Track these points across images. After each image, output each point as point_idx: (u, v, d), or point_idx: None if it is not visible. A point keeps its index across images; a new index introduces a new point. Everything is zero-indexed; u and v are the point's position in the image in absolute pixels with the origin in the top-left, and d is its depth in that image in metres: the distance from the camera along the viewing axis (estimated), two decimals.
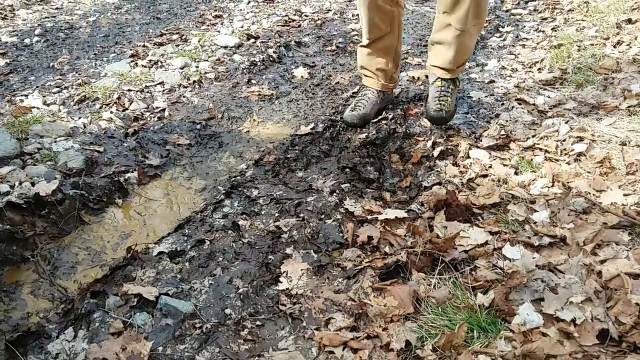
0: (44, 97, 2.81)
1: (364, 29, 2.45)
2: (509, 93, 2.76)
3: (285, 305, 1.59)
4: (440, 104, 2.40)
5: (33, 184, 2.09)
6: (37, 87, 2.93)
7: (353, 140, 2.55)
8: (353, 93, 2.94)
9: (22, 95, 2.82)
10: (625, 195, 1.82)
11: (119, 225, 2.07)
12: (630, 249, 1.59)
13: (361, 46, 2.54)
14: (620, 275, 1.47)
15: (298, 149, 2.48)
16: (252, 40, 3.62)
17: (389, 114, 2.65)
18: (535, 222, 1.77)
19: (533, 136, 2.34)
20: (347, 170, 2.28)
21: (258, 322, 1.54)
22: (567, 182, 1.95)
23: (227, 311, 1.57)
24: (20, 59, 3.31)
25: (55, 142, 2.40)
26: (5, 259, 1.82)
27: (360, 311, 1.54)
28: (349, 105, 2.62)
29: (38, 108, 2.68)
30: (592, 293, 1.42)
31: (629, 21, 3.45)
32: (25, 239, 1.90)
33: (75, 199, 2.08)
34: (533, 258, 1.57)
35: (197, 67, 3.20)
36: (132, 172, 2.30)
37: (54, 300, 1.70)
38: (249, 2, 4.37)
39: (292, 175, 2.30)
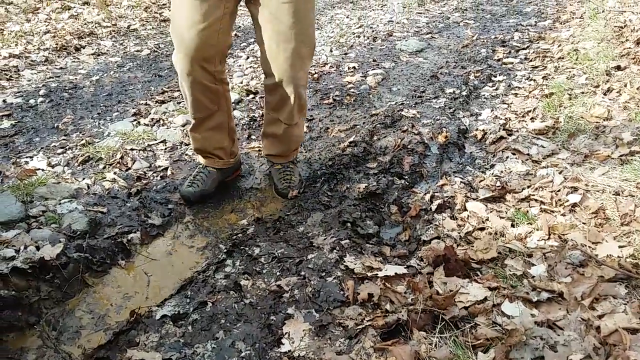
0: (49, 158, 2.87)
1: (189, 109, 2.39)
2: (503, 143, 2.82)
3: None
4: (287, 182, 2.58)
5: (38, 248, 2.12)
6: (42, 148, 3.00)
7: (352, 190, 2.59)
8: (350, 142, 3.01)
9: (27, 157, 2.88)
10: (620, 247, 1.85)
11: (122, 287, 2.09)
12: (627, 302, 1.61)
13: (191, 130, 2.49)
14: (618, 331, 1.49)
15: (298, 204, 2.52)
16: (252, 95, 3.71)
17: (386, 162, 2.71)
18: (533, 277, 1.80)
19: (528, 187, 2.38)
20: (348, 224, 2.32)
21: None
22: (563, 234, 1.98)
23: None
24: (25, 120, 3.38)
25: (60, 204, 2.45)
26: (10, 325, 1.83)
27: None
28: (188, 178, 2.60)
29: (43, 170, 2.74)
30: (592, 350, 1.44)
31: (618, 68, 3.55)
32: (30, 305, 1.92)
33: (79, 262, 2.10)
34: (532, 315, 1.59)
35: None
36: (135, 232, 2.33)
37: None
38: (248, 57, 4.50)
39: (293, 231, 2.33)
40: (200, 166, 2.62)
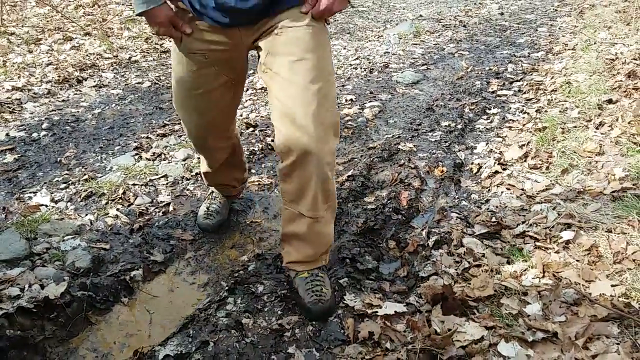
0: (52, 193, 2.91)
1: (206, 164, 2.52)
2: (498, 177, 2.88)
3: None
4: (316, 295, 1.99)
5: (42, 287, 2.16)
6: (45, 183, 3.05)
7: (351, 225, 2.64)
8: (348, 176, 3.06)
9: (30, 193, 2.92)
10: (613, 285, 1.90)
11: (125, 325, 2.12)
12: (620, 342, 1.66)
13: (205, 174, 2.59)
14: None
15: None
16: (251, 129, 3.78)
17: (384, 197, 2.76)
18: (529, 316, 1.84)
19: (523, 222, 2.44)
20: (347, 260, 2.36)
21: None
22: (557, 272, 2.03)
23: None
24: (28, 154, 3.44)
25: (63, 240, 2.49)
26: None
27: None
28: (201, 208, 2.69)
29: (46, 206, 2.79)
30: None
31: (610, 101, 3.63)
32: (35, 344, 1.95)
33: (83, 300, 2.14)
34: (527, 356, 1.63)
35: (198, 158, 3.33)
36: (138, 269, 2.37)
37: None
38: (247, 89, 4.58)
39: None
40: (211, 197, 2.71)
